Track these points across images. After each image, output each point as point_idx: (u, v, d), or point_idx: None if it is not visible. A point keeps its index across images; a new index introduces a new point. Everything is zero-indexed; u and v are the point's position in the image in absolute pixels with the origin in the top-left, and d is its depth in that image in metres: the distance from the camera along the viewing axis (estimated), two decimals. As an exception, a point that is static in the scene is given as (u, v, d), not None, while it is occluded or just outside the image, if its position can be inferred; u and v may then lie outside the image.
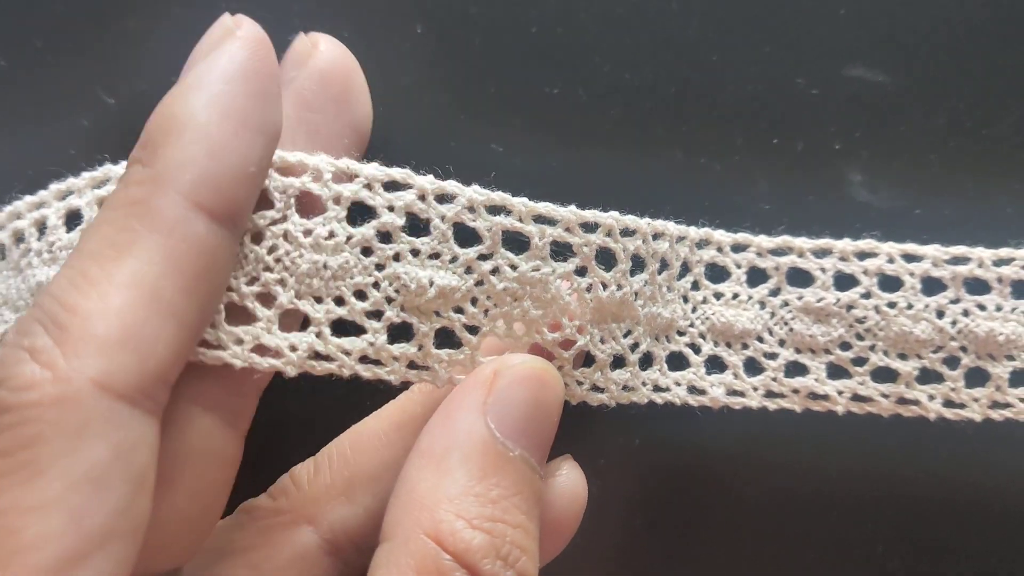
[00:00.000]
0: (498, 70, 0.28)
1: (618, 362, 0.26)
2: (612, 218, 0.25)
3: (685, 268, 0.28)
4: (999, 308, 0.27)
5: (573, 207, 0.24)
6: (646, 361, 0.27)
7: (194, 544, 0.24)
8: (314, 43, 0.25)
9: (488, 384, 0.23)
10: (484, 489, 0.22)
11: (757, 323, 0.28)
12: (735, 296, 0.28)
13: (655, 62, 0.28)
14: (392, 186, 0.24)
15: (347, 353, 0.24)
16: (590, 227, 0.25)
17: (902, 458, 0.29)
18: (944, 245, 0.28)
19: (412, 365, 0.24)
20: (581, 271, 0.25)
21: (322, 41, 0.25)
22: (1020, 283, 0.27)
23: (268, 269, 0.24)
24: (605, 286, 0.25)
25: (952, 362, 0.27)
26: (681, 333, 0.28)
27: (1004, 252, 0.27)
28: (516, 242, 0.24)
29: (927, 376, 0.27)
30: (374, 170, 0.24)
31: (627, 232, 0.25)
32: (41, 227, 0.26)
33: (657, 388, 0.27)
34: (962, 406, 0.27)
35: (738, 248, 0.28)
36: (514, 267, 0.24)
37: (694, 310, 0.28)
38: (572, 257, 0.25)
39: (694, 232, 0.27)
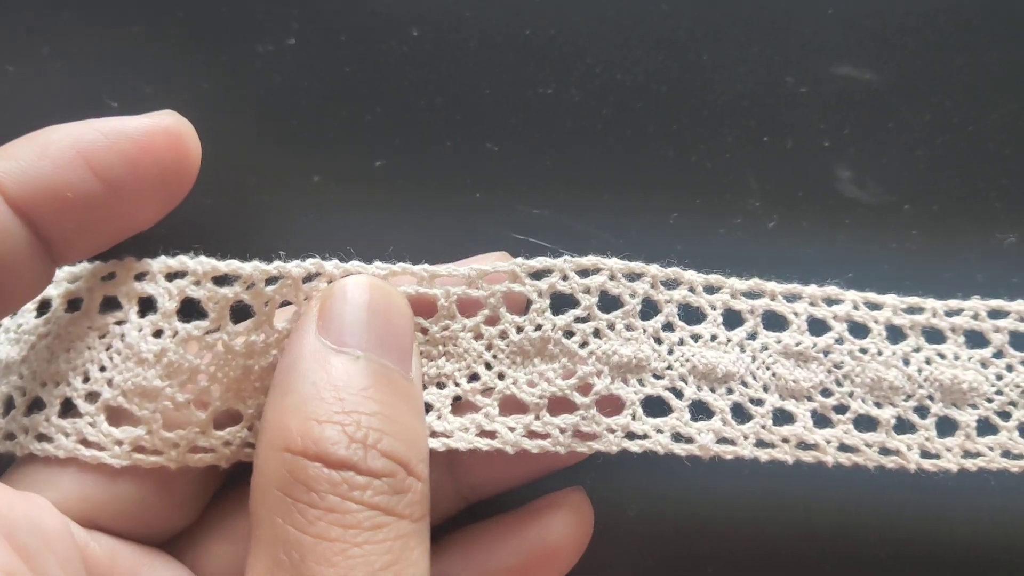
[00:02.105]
0: (493, 71, 0.29)
1: (564, 406, 0.25)
2: (515, 264, 0.26)
3: (652, 307, 0.26)
4: (957, 357, 0.27)
5: (474, 264, 0.26)
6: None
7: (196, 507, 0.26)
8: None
9: (316, 311, 0.24)
10: (330, 392, 0.22)
11: (739, 365, 0.26)
12: (714, 337, 0.26)
13: (646, 62, 0.29)
14: (174, 275, 0.25)
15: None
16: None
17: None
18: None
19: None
20: (491, 321, 0.26)
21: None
22: (972, 332, 0.27)
23: (102, 368, 0.25)
24: (520, 329, 0.26)
25: (922, 411, 0.27)
26: (659, 376, 0.26)
27: (954, 303, 0.27)
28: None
29: (902, 425, 0.26)
30: (160, 264, 0.25)
31: (540, 274, 0.26)
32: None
33: (632, 435, 0.25)
34: (937, 456, 0.26)
35: (711, 289, 0.27)
36: (425, 332, 0.26)
37: (671, 351, 0.26)
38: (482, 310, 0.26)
39: (655, 270, 0.26)
